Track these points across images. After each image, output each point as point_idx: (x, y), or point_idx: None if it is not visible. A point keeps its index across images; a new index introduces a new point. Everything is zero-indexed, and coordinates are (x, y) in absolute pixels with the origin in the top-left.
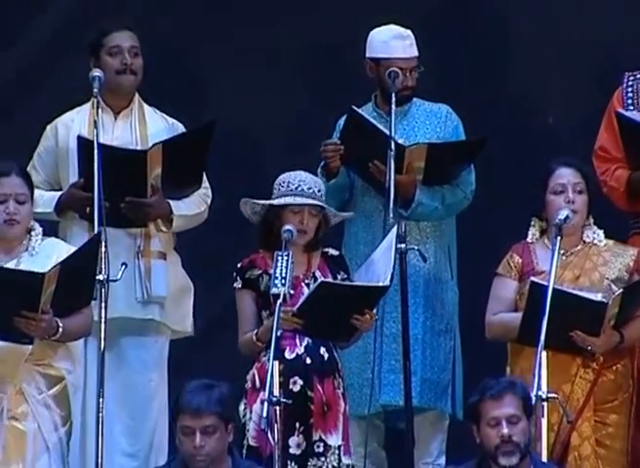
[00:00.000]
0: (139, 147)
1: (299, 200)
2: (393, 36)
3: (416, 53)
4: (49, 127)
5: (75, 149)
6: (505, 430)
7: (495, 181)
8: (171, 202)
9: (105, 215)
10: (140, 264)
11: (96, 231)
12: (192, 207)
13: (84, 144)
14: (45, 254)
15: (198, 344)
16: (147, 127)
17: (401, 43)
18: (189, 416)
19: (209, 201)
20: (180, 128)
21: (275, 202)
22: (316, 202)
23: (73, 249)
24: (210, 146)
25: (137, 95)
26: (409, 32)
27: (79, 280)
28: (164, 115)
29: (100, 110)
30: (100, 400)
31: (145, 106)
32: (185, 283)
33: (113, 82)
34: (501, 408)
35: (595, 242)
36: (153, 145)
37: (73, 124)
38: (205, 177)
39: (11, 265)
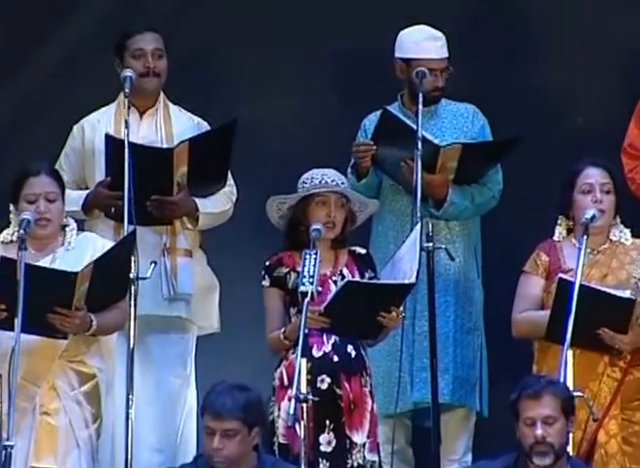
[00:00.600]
0: (164, 146)
1: (323, 189)
2: (425, 37)
3: (446, 54)
4: (75, 127)
5: (101, 149)
6: (539, 431)
7: (521, 181)
8: (197, 200)
9: (130, 213)
10: (167, 262)
11: (126, 230)
12: (218, 204)
13: (111, 143)
14: (80, 249)
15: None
16: (173, 126)
17: (433, 44)
18: (211, 417)
19: (234, 198)
20: (206, 126)
21: (301, 193)
22: (340, 190)
23: (108, 243)
24: (233, 144)
25: (162, 94)
26: (440, 33)
27: (113, 276)
28: (189, 114)
29: (125, 110)
30: (130, 396)
31: (171, 105)
32: (211, 280)
33: (137, 84)
34: (538, 408)
35: (622, 240)
36: (179, 143)
37: (99, 124)
38: (230, 175)
39: (47, 261)
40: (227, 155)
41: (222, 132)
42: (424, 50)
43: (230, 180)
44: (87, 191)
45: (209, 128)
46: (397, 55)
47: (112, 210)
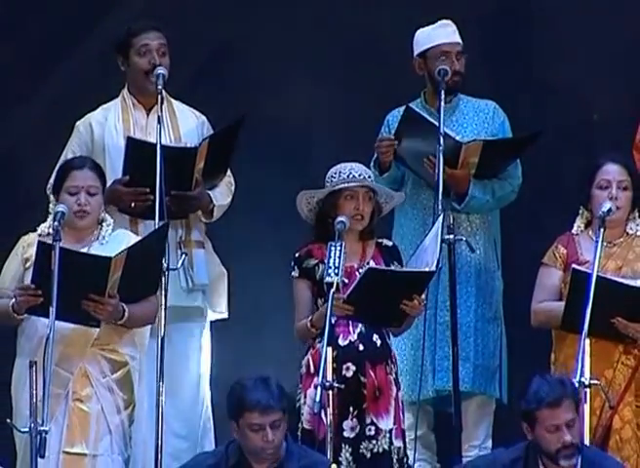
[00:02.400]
0: (172, 142)
1: (352, 184)
2: (435, 26)
3: (458, 39)
4: (81, 124)
5: (111, 146)
6: (568, 437)
7: (539, 175)
8: (210, 193)
9: (148, 208)
10: (183, 254)
11: (156, 225)
12: (224, 196)
13: (133, 145)
14: (114, 244)
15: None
16: (179, 122)
17: (443, 30)
18: (258, 414)
19: (233, 189)
20: (205, 119)
21: (329, 188)
22: (368, 183)
23: None
24: (238, 138)
25: (163, 91)
26: (450, 22)
27: (145, 268)
28: (191, 109)
29: (132, 107)
30: (160, 384)
31: (173, 101)
32: (220, 268)
33: (142, 82)
34: (561, 414)
35: (638, 234)
36: (202, 141)
37: (107, 121)
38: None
39: None
40: (233, 149)
41: (235, 128)
42: (435, 36)
43: (228, 171)
44: None
45: (205, 119)
46: (415, 53)
47: (133, 205)
